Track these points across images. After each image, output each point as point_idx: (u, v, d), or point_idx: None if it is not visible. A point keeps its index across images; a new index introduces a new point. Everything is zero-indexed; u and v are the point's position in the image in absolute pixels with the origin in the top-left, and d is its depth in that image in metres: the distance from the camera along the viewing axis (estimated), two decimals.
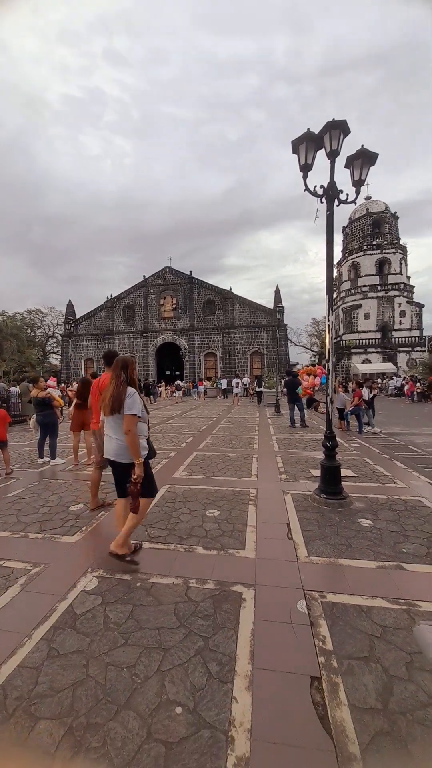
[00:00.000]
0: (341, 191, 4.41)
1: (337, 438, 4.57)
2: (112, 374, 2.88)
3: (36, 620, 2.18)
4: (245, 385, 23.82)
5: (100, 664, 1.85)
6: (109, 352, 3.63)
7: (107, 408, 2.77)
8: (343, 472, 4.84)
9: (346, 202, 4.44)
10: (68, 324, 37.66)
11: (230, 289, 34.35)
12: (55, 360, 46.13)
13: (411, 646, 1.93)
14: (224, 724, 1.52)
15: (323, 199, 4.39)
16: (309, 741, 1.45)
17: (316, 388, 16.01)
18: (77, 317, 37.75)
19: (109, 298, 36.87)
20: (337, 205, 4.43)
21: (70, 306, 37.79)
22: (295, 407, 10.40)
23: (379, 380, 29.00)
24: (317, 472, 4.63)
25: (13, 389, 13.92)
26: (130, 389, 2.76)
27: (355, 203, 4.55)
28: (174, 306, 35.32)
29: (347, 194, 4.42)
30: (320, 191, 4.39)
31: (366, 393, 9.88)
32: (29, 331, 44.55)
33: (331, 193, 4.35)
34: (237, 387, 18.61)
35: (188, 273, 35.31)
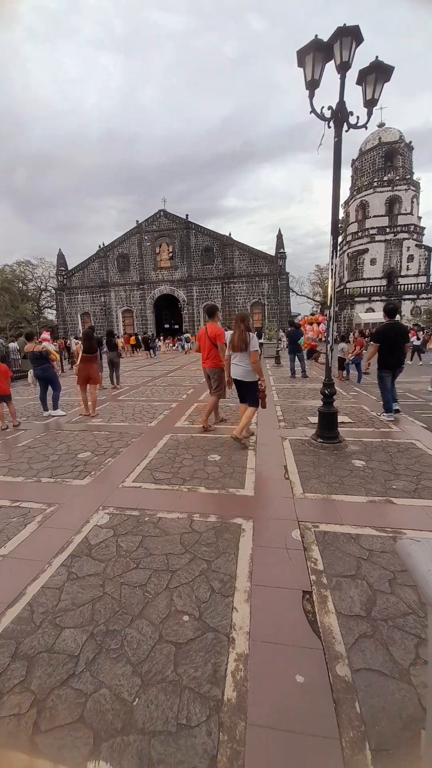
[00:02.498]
0: (351, 113, 3.96)
1: (335, 386, 4.63)
2: (235, 324, 4.21)
3: (55, 550, 2.40)
4: None
5: (115, 584, 2.07)
6: (211, 305, 5.00)
7: (237, 347, 4.18)
8: (340, 418, 4.97)
9: (356, 126, 4.01)
10: (60, 276, 36.22)
11: (229, 234, 32.51)
12: (50, 314, 45.07)
13: (395, 566, 2.13)
14: (226, 628, 1.74)
15: (331, 123, 3.95)
16: (300, 641, 1.66)
17: (322, 337, 15.83)
18: (69, 269, 36.19)
19: (102, 246, 35.04)
20: (347, 130, 4.01)
21: (60, 256, 36.04)
22: (296, 358, 10.50)
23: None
24: (315, 419, 4.76)
25: (12, 345, 13.84)
26: (250, 334, 4.14)
27: (366, 128, 4.12)
28: (170, 254, 33.69)
29: (357, 117, 3.98)
30: (328, 114, 3.94)
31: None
32: (21, 285, 42.86)
33: (340, 116, 3.92)
34: None
35: (184, 217, 33.17)
